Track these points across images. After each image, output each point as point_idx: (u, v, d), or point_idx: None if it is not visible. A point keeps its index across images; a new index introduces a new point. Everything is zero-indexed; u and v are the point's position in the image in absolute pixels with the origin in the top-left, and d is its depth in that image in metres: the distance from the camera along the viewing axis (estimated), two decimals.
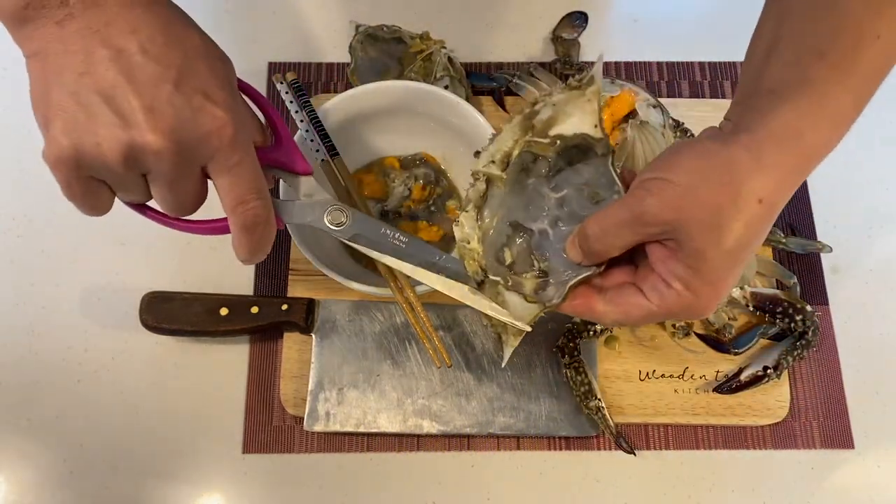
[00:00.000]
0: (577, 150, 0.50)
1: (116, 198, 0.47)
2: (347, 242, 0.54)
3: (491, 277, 0.51)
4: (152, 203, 0.49)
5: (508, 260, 0.52)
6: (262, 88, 0.77)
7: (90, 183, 0.44)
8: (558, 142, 0.49)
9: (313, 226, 0.54)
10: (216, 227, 0.51)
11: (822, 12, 0.41)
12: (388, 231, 0.53)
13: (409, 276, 0.62)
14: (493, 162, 0.51)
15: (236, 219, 0.46)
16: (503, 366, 0.54)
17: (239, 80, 0.48)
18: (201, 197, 0.47)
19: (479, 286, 0.52)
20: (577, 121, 0.49)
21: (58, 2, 0.39)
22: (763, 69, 0.44)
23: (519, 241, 0.52)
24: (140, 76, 0.40)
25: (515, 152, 0.49)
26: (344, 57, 0.77)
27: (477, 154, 0.52)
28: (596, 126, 0.48)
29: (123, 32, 0.40)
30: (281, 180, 0.57)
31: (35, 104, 0.43)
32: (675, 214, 0.43)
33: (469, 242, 0.52)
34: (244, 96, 0.49)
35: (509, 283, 0.51)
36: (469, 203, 0.52)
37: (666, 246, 0.45)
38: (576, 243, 0.48)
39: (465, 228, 0.52)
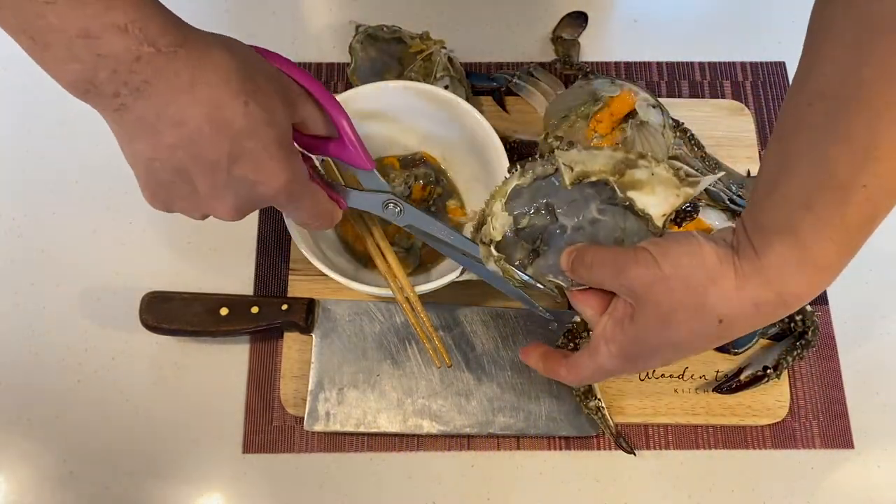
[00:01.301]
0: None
1: None
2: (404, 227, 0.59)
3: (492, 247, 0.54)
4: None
5: (524, 224, 0.54)
6: None
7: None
8: (627, 202, 0.51)
9: (370, 212, 0.59)
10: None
11: (812, 165, 0.43)
12: (439, 226, 0.58)
13: (409, 276, 0.63)
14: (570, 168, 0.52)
15: (299, 216, 0.54)
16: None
17: (307, 78, 0.50)
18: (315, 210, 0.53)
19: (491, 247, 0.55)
20: (654, 202, 0.51)
21: (111, 92, 0.40)
22: (764, 203, 0.46)
23: (540, 219, 0.54)
24: (198, 164, 0.44)
25: (593, 178, 0.51)
26: (344, 57, 0.77)
27: (560, 141, 0.56)
28: (664, 216, 0.51)
29: (173, 125, 0.42)
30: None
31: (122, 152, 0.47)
32: (644, 291, 0.46)
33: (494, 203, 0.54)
34: (308, 87, 0.51)
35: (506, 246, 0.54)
36: (525, 174, 0.53)
37: (629, 306, 0.48)
38: (571, 256, 0.52)
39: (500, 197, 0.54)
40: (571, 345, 0.65)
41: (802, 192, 0.43)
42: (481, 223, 0.54)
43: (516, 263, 0.54)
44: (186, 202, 0.47)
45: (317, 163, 0.61)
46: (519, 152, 0.71)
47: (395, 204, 0.58)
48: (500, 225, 0.54)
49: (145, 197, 0.48)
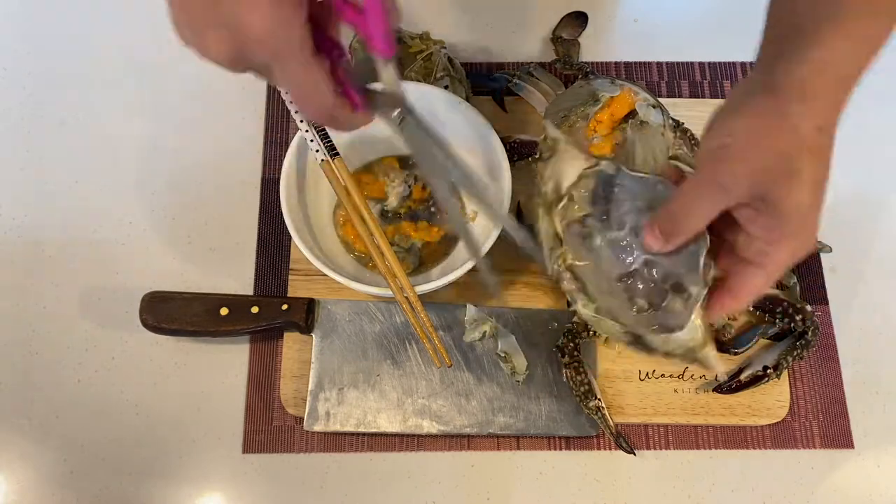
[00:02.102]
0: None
1: None
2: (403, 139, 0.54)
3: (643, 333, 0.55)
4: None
5: (644, 304, 0.54)
6: (262, 89, 0.77)
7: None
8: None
9: (380, 117, 0.52)
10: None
11: None
12: (437, 152, 0.53)
13: (409, 276, 0.63)
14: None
15: (309, 116, 0.51)
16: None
17: None
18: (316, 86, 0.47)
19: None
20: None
21: None
22: (790, 8, 0.46)
23: (638, 283, 0.55)
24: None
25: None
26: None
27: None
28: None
29: None
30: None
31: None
32: (749, 173, 0.45)
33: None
34: None
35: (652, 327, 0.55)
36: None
37: (751, 206, 0.47)
38: (655, 231, 0.50)
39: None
40: (572, 344, 0.65)
41: None
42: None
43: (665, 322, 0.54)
44: (196, 40, 0.46)
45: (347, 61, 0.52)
46: (519, 152, 0.71)
47: (402, 111, 0.51)
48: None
49: (175, 26, 0.47)
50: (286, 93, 0.60)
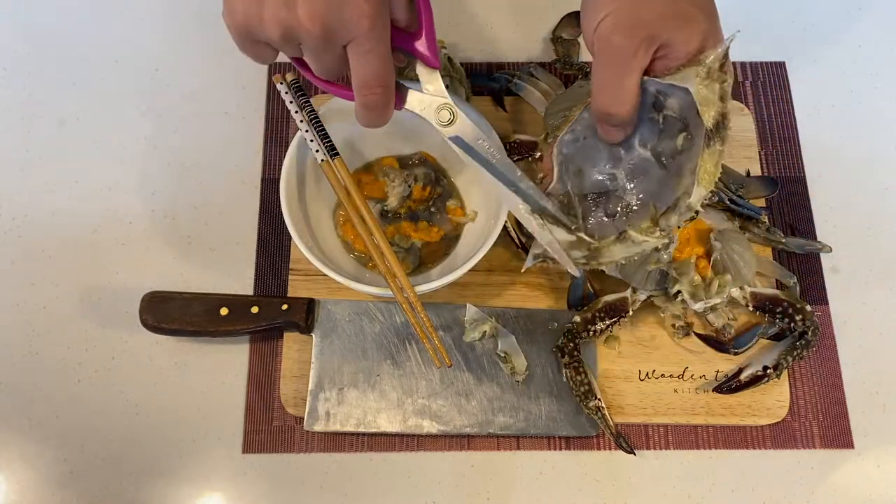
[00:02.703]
0: None
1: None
2: (447, 140, 0.58)
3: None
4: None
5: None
6: (262, 89, 0.77)
7: (257, 44, 0.51)
8: None
9: (421, 116, 0.58)
10: (349, 94, 0.54)
11: None
12: (485, 142, 0.58)
13: (409, 276, 0.63)
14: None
15: (359, 98, 0.53)
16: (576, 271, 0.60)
17: None
18: (341, 70, 0.52)
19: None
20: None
21: None
22: None
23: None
24: None
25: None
26: None
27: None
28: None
29: None
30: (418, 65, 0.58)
31: None
32: (644, 30, 0.49)
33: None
34: None
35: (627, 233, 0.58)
36: None
37: (659, 58, 0.52)
38: (607, 129, 0.55)
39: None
40: (572, 345, 0.65)
41: None
42: None
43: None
44: (272, 10, 0.48)
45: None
46: (519, 152, 0.71)
47: (450, 111, 0.57)
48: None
49: (232, 2, 0.48)
50: (285, 92, 0.63)
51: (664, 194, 0.58)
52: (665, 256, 0.64)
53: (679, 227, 0.58)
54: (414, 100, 0.57)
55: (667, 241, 0.58)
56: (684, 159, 0.57)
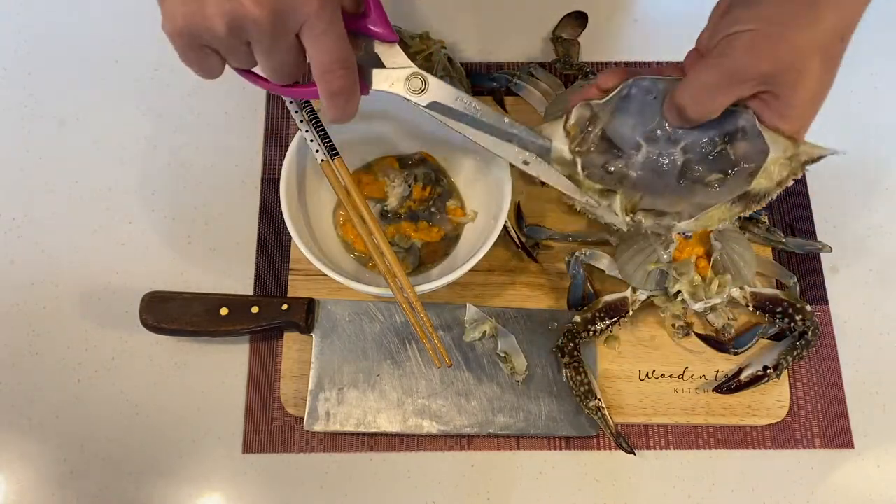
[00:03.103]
0: None
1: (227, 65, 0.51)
2: (425, 110, 0.57)
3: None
4: (258, 70, 0.52)
5: (718, 177, 0.55)
6: (262, 89, 0.77)
7: (202, 51, 0.48)
8: None
9: (392, 92, 0.56)
10: (310, 91, 0.53)
11: None
12: (465, 98, 0.56)
13: (409, 276, 0.63)
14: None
15: (322, 86, 0.50)
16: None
17: None
18: (297, 66, 0.50)
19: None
20: None
21: None
22: None
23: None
24: None
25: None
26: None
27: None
28: None
29: None
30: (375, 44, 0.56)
31: None
32: (774, 66, 0.45)
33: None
34: None
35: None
36: None
37: (760, 99, 0.47)
38: (673, 112, 0.51)
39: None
40: (572, 345, 0.65)
41: None
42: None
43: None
44: (215, 2, 0.45)
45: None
46: None
47: (421, 79, 0.56)
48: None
49: (170, 4, 0.47)
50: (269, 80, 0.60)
51: (657, 197, 0.56)
52: (665, 256, 0.64)
53: (644, 229, 0.56)
54: (380, 78, 0.55)
55: (631, 226, 0.56)
56: (700, 191, 0.55)
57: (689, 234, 0.56)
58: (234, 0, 0.45)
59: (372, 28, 0.53)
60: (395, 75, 0.55)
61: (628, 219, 0.55)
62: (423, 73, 0.56)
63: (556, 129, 0.57)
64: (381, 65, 0.55)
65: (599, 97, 0.55)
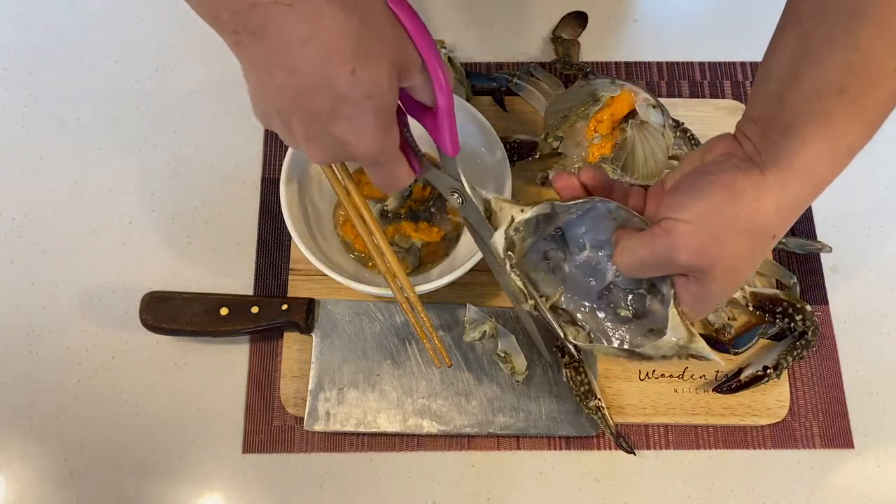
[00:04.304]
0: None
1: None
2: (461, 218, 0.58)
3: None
4: None
5: (629, 313, 0.58)
6: None
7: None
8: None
9: (438, 189, 0.57)
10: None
11: (843, 49, 0.44)
12: (487, 230, 0.57)
13: (409, 276, 0.63)
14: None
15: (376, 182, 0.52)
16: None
17: (426, 45, 0.49)
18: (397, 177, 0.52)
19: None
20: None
21: (231, 29, 0.42)
22: (784, 98, 0.46)
23: (618, 296, 0.59)
24: (298, 111, 0.45)
25: None
26: None
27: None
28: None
29: (284, 71, 0.43)
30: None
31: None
32: (700, 261, 0.47)
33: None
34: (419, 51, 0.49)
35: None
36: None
37: (683, 276, 0.50)
38: (619, 265, 0.53)
39: None
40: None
41: (835, 77, 0.44)
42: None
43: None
44: (283, 135, 0.48)
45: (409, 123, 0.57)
46: (519, 152, 0.71)
47: (460, 196, 0.57)
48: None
49: (255, 111, 0.48)
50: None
51: (573, 299, 0.59)
52: None
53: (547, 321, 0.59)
54: (430, 173, 0.56)
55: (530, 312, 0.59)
56: (609, 316, 0.59)
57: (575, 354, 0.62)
58: (301, 147, 0.47)
59: (436, 133, 0.53)
60: (442, 181, 0.56)
61: (532, 303, 0.58)
62: (464, 194, 0.56)
63: (509, 214, 0.58)
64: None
65: (571, 193, 0.56)
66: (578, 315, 0.59)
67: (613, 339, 0.58)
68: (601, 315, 0.59)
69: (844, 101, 0.44)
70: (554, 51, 0.80)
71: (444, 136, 0.53)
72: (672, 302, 0.53)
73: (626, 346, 0.57)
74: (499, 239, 0.56)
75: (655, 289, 0.57)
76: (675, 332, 0.54)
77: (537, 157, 0.70)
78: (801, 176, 0.46)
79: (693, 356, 0.56)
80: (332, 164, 0.63)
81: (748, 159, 0.48)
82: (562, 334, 0.57)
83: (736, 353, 0.67)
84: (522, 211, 0.56)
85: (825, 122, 0.44)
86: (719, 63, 0.80)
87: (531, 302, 0.57)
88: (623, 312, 0.58)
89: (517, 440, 0.66)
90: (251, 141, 0.76)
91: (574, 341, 0.57)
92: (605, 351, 0.57)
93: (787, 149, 0.45)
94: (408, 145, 0.53)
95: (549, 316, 0.58)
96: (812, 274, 0.72)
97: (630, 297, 0.58)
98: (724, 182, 0.47)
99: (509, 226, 0.56)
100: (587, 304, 0.59)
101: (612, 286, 0.58)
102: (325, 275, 0.62)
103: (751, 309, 0.67)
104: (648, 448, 0.66)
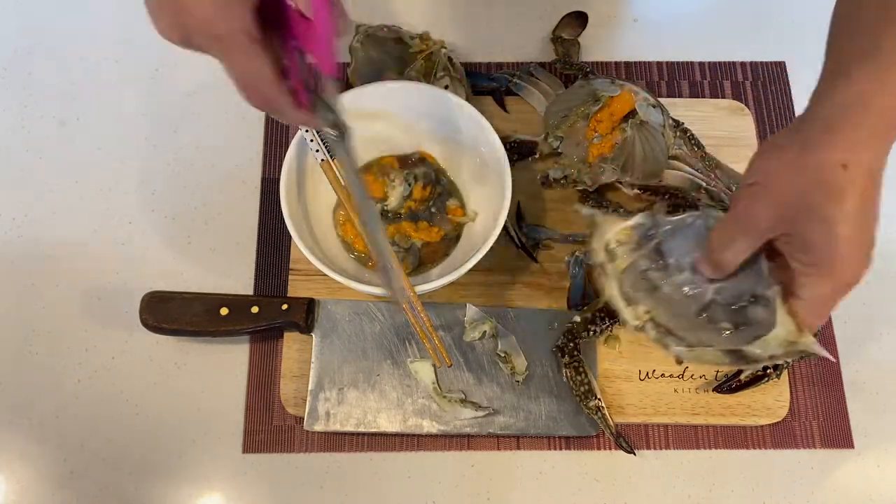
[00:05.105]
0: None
1: None
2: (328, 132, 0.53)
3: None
4: None
5: (730, 327, 0.56)
6: None
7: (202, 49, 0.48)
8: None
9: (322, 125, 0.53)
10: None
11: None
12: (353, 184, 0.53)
13: (409, 276, 0.63)
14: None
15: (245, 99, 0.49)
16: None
17: None
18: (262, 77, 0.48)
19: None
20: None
21: None
22: (836, 45, 0.47)
23: (718, 312, 0.56)
24: None
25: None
26: (344, 57, 0.77)
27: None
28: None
29: None
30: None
31: None
32: (773, 212, 0.46)
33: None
34: None
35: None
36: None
37: (788, 242, 0.48)
38: (705, 266, 0.52)
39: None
40: (571, 345, 0.65)
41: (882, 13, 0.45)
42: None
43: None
44: (150, 11, 0.47)
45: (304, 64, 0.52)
46: (519, 152, 0.71)
47: (338, 129, 0.52)
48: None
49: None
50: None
51: (672, 317, 0.57)
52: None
53: (648, 336, 0.58)
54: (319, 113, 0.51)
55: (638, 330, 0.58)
56: (711, 330, 0.56)
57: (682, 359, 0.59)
58: (158, 21, 0.46)
59: (314, 49, 0.48)
60: (325, 118, 0.51)
61: (638, 323, 0.57)
62: (336, 138, 0.52)
63: (613, 226, 0.58)
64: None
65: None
66: (676, 329, 0.57)
67: (715, 348, 0.56)
68: (703, 333, 0.57)
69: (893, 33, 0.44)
70: (554, 51, 0.80)
71: (322, 49, 0.47)
72: (779, 298, 0.52)
73: (730, 347, 0.55)
74: (599, 247, 0.57)
75: (757, 297, 0.55)
76: (784, 327, 0.53)
77: (537, 157, 0.70)
78: (849, 107, 0.45)
79: (803, 353, 0.54)
80: (332, 164, 0.63)
81: (796, 126, 0.47)
82: (664, 344, 0.57)
83: None
84: (622, 222, 0.57)
85: (876, 53, 0.45)
86: (719, 63, 0.80)
87: (635, 310, 0.57)
88: (724, 325, 0.56)
89: (517, 440, 0.66)
90: (251, 141, 0.76)
91: (677, 348, 0.56)
92: (710, 359, 0.56)
93: (832, 83, 0.46)
94: (300, 81, 0.49)
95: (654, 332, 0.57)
96: None
97: (731, 311, 0.56)
98: (781, 139, 0.47)
99: (609, 241, 0.57)
100: (685, 321, 0.57)
101: (710, 303, 0.57)
102: (325, 275, 0.62)
103: None
104: (648, 448, 0.66)
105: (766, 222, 0.47)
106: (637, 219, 0.57)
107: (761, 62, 0.80)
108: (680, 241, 0.57)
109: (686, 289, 0.57)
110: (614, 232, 0.58)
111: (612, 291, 0.58)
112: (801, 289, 0.49)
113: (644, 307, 0.57)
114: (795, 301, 0.50)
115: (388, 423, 0.65)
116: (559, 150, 0.70)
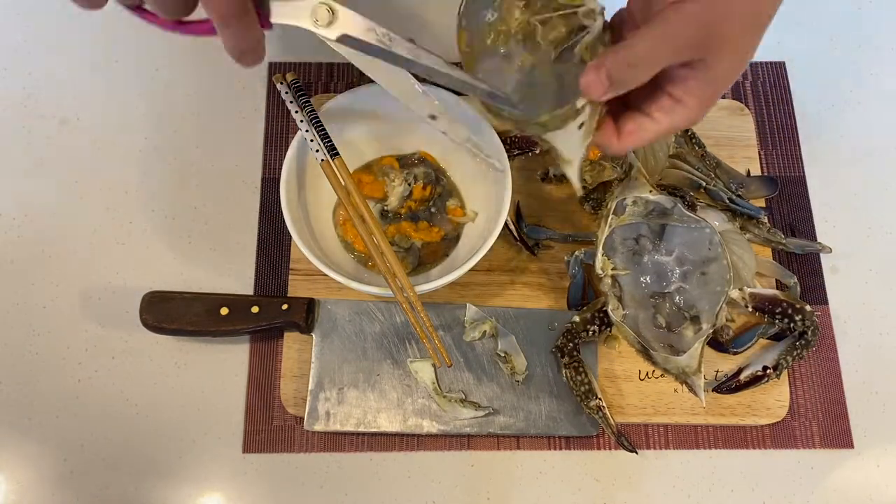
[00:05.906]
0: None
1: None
2: (334, 44, 0.50)
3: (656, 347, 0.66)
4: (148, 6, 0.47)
5: (663, 323, 0.66)
6: (262, 89, 0.78)
7: None
8: None
9: (298, 26, 0.49)
10: (204, 28, 0.47)
11: None
12: (378, 30, 0.49)
13: (409, 276, 0.63)
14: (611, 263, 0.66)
15: (208, 13, 0.45)
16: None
17: None
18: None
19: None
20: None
21: None
22: None
23: (666, 304, 0.66)
24: None
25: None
26: (341, 57, 0.77)
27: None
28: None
29: None
30: None
31: None
32: (698, 35, 0.46)
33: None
34: None
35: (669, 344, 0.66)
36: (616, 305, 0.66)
37: (691, 67, 0.48)
38: (601, 74, 0.48)
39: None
40: (571, 345, 0.65)
41: None
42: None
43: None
44: None
45: None
46: (518, 147, 0.70)
47: (328, 8, 0.48)
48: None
49: None
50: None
51: (638, 288, 0.67)
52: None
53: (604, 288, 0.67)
54: (283, 11, 0.48)
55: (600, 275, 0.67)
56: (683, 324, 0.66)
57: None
58: None
59: None
60: (299, 7, 0.48)
61: (601, 273, 0.66)
62: (331, 2, 0.48)
63: (641, 188, 0.65)
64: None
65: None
66: (626, 297, 0.65)
67: (641, 332, 0.65)
68: (643, 312, 0.65)
69: None
70: None
71: None
72: (704, 338, 0.62)
73: (645, 343, 0.65)
74: (619, 195, 0.65)
75: (697, 320, 0.64)
76: (690, 359, 0.62)
77: (537, 152, 0.70)
78: None
79: (688, 384, 0.64)
80: (332, 164, 0.63)
81: None
82: (607, 301, 0.65)
83: (735, 353, 0.67)
84: (651, 192, 0.64)
85: None
86: None
87: (609, 260, 0.66)
88: (660, 320, 0.65)
89: (517, 440, 0.66)
90: (251, 141, 0.76)
91: (612, 312, 0.65)
92: (626, 335, 0.65)
93: None
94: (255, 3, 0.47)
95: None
96: (812, 274, 0.72)
97: (674, 310, 0.65)
98: None
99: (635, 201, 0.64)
100: (638, 295, 0.65)
101: (666, 295, 0.65)
102: (325, 275, 0.62)
103: (750, 310, 0.67)
104: (648, 448, 0.66)
105: (688, 44, 0.47)
106: (663, 197, 0.63)
107: (761, 62, 0.80)
108: (682, 235, 0.62)
109: (659, 270, 0.65)
110: (640, 193, 0.63)
111: (600, 235, 0.64)
112: (658, 112, 0.50)
113: (615, 264, 0.66)
114: (629, 120, 0.51)
115: (388, 422, 0.65)
116: None
